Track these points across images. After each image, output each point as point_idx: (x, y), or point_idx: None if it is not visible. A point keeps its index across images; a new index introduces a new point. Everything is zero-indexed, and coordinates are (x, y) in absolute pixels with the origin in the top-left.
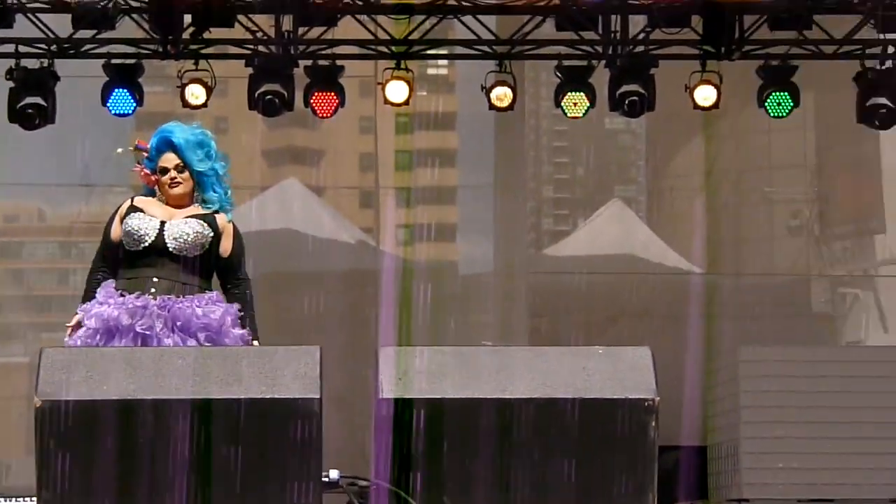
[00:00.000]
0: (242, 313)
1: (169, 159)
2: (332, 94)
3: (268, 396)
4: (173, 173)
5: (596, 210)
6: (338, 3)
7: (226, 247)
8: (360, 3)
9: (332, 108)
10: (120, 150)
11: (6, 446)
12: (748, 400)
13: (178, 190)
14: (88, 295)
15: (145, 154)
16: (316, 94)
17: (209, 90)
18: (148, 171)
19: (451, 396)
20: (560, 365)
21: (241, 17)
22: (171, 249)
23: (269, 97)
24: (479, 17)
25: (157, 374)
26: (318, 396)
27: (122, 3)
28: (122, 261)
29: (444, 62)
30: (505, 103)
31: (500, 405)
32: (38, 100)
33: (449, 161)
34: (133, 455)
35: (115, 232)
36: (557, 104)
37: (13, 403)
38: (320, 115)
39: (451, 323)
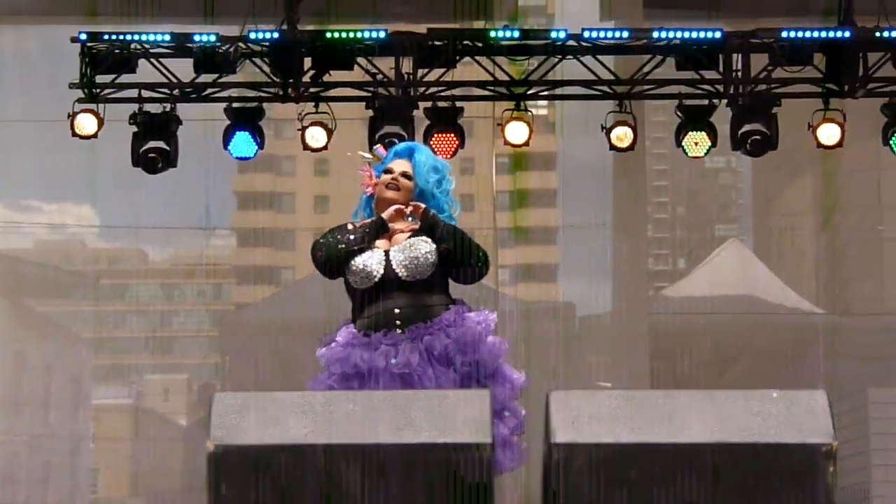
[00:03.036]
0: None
1: (399, 164)
2: (452, 135)
3: (440, 441)
4: (396, 174)
5: (697, 249)
6: (457, 45)
7: None
8: (479, 45)
9: (453, 149)
10: (363, 154)
11: (112, 485)
12: (879, 443)
13: (390, 193)
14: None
15: (379, 160)
16: (436, 135)
17: (329, 132)
18: (373, 174)
19: (625, 441)
20: (733, 409)
21: (360, 60)
22: (403, 279)
23: (388, 139)
24: (598, 57)
25: (327, 418)
26: (489, 441)
27: (244, 47)
28: (355, 298)
29: (545, 103)
30: (625, 143)
31: (673, 450)
32: (161, 144)
33: (550, 201)
34: (305, 500)
35: None
36: (678, 143)
37: (119, 444)
38: (440, 156)
39: (569, 363)
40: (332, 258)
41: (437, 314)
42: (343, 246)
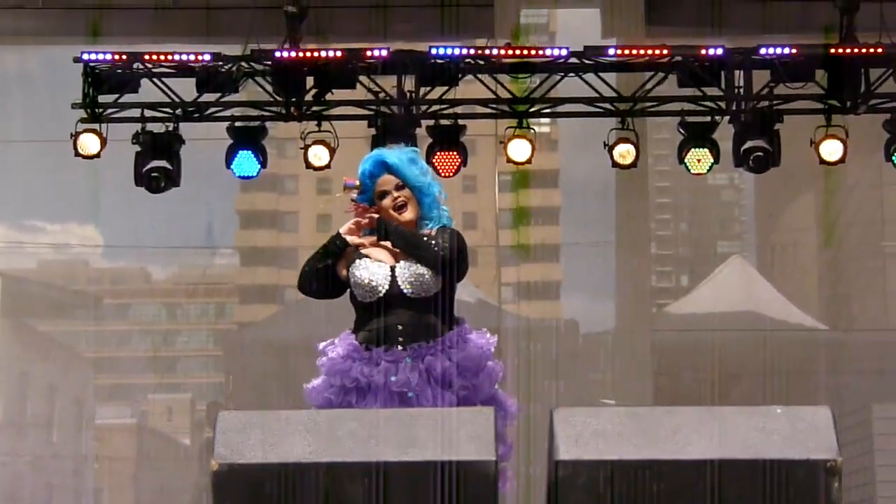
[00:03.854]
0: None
1: (387, 181)
2: (455, 153)
3: (443, 459)
4: (395, 193)
5: (699, 266)
6: (459, 63)
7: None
8: (482, 62)
9: (455, 167)
10: (339, 194)
11: None
12: (884, 458)
13: (406, 214)
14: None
15: (356, 191)
16: (438, 153)
17: (332, 151)
18: (365, 206)
19: (629, 458)
20: (736, 425)
21: (363, 78)
22: (408, 295)
23: None
24: (601, 74)
25: (331, 437)
26: (493, 458)
27: (246, 66)
28: (357, 309)
29: (547, 121)
30: (628, 160)
31: (677, 467)
32: (164, 163)
33: (552, 219)
34: None
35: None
36: (681, 160)
37: (122, 464)
38: (443, 174)
39: (572, 381)
40: (301, 280)
41: (440, 333)
42: (306, 268)
